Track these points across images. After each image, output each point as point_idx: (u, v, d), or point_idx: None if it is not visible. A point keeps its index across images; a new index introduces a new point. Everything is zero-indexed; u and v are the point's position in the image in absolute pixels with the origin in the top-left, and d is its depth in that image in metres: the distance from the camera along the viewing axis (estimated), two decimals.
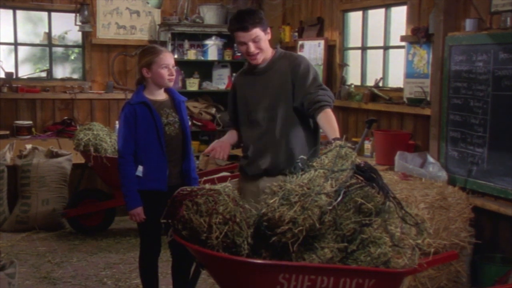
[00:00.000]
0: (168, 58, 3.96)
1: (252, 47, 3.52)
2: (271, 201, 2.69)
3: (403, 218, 2.78)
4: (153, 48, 4.08)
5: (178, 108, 4.05)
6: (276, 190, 2.75)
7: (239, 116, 3.76)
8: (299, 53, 7.30)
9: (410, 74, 5.82)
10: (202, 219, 2.80)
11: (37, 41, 7.92)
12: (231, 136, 3.84)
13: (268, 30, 3.61)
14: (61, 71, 8.02)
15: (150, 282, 4.11)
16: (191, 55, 7.78)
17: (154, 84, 3.98)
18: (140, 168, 3.93)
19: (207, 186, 2.96)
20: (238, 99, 3.75)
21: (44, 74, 7.84)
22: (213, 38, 7.90)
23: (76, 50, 8.10)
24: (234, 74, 7.98)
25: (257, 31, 3.51)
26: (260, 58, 3.59)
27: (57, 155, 6.65)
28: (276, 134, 3.59)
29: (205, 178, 5.72)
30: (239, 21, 3.52)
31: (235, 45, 8.02)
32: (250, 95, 3.69)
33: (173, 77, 3.99)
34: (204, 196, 2.86)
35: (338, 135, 3.27)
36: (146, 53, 4.01)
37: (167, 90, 4.10)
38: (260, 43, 3.54)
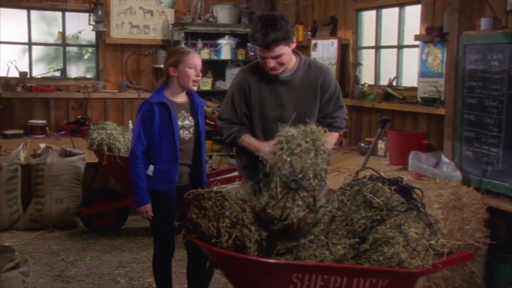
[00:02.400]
0: (196, 59, 3.95)
1: (272, 63, 3.34)
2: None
3: (424, 221, 2.76)
4: (182, 48, 4.13)
5: (195, 112, 4.02)
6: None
7: (254, 121, 3.52)
8: (312, 52, 7.30)
9: (424, 73, 5.78)
10: (210, 223, 2.80)
11: (51, 41, 7.96)
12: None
13: (294, 40, 3.40)
14: (75, 71, 8.06)
15: (163, 281, 4.12)
16: (204, 54, 7.79)
17: (179, 84, 3.95)
18: (151, 167, 3.93)
19: (215, 188, 2.96)
20: (253, 102, 3.50)
21: (58, 74, 7.88)
22: (226, 37, 7.91)
23: (90, 49, 8.14)
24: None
25: (280, 49, 3.30)
26: (280, 71, 3.42)
27: (70, 154, 6.68)
28: None
29: (218, 177, 5.76)
30: (261, 36, 3.27)
31: (248, 44, 8.04)
32: (270, 103, 3.48)
33: (199, 78, 3.96)
34: (211, 200, 2.86)
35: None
36: (175, 52, 4.03)
37: (188, 93, 4.07)
38: (283, 58, 3.35)
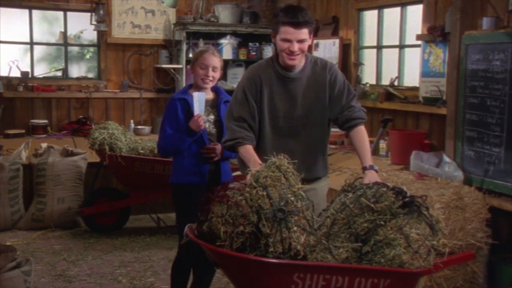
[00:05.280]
0: (209, 59, 4.02)
1: (296, 47, 3.33)
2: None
3: (426, 222, 2.75)
4: (203, 48, 4.19)
5: (218, 107, 4.10)
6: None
7: (263, 118, 3.48)
8: (313, 52, 7.29)
9: (426, 73, 5.78)
10: (224, 227, 2.75)
11: (52, 41, 7.97)
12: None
13: (312, 36, 3.43)
14: (76, 70, 8.07)
15: (180, 284, 4.10)
16: None
17: (195, 82, 4.12)
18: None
19: (239, 196, 2.82)
20: (264, 98, 3.47)
21: (59, 73, 7.89)
22: (228, 37, 7.91)
23: (92, 49, 8.15)
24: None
25: (306, 33, 3.34)
26: (297, 60, 3.41)
27: (72, 154, 6.68)
28: (312, 144, 3.52)
29: None
30: (295, 15, 3.32)
31: (249, 44, 8.04)
32: (280, 99, 3.46)
33: (209, 78, 4.03)
34: (233, 206, 2.79)
35: (371, 162, 3.33)
36: (196, 52, 4.19)
37: (215, 90, 4.19)
38: (304, 45, 3.36)
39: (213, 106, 4.12)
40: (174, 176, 4.08)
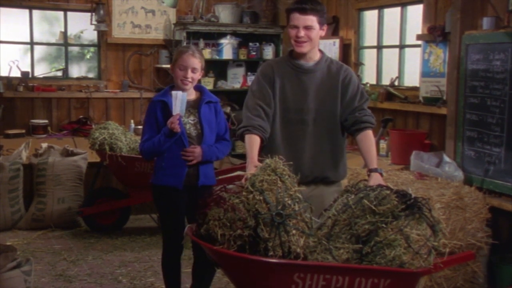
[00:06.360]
0: (188, 60, 3.93)
1: (302, 32, 3.37)
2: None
3: (427, 223, 2.75)
4: (183, 47, 4.12)
5: (199, 108, 4.02)
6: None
7: (274, 108, 3.49)
8: None
9: (426, 73, 5.78)
10: (221, 230, 2.75)
11: (53, 40, 7.98)
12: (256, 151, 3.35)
13: (324, 27, 3.48)
14: (76, 70, 8.07)
15: (172, 280, 4.13)
16: (206, 54, 7.78)
17: (175, 83, 4.03)
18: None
19: (235, 199, 2.82)
20: (277, 91, 3.49)
21: (60, 73, 7.90)
22: (228, 37, 7.91)
23: (92, 49, 8.15)
24: (249, 73, 8.01)
25: (313, 19, 3.38)
26: (305, 48, 3.43)
27: (72, 154, 6.68)
28: (321, 140, 3.51)
29: (220, 177, 5.74)
30: (299, 2, 3.38)
31: (250, 44, 8.04)
32: (292, 92, 3.48)
33: (188, 79, 3.94)
34: (229, 209, 2.78)
35: (376, 165, 3.35)
36: (176, 52, 4.12)
37: (199, 89, 4.11)
38: (312, 32, 3.39)
39: (194, 107, 4.02)
40: (154, 176, 4.05)
